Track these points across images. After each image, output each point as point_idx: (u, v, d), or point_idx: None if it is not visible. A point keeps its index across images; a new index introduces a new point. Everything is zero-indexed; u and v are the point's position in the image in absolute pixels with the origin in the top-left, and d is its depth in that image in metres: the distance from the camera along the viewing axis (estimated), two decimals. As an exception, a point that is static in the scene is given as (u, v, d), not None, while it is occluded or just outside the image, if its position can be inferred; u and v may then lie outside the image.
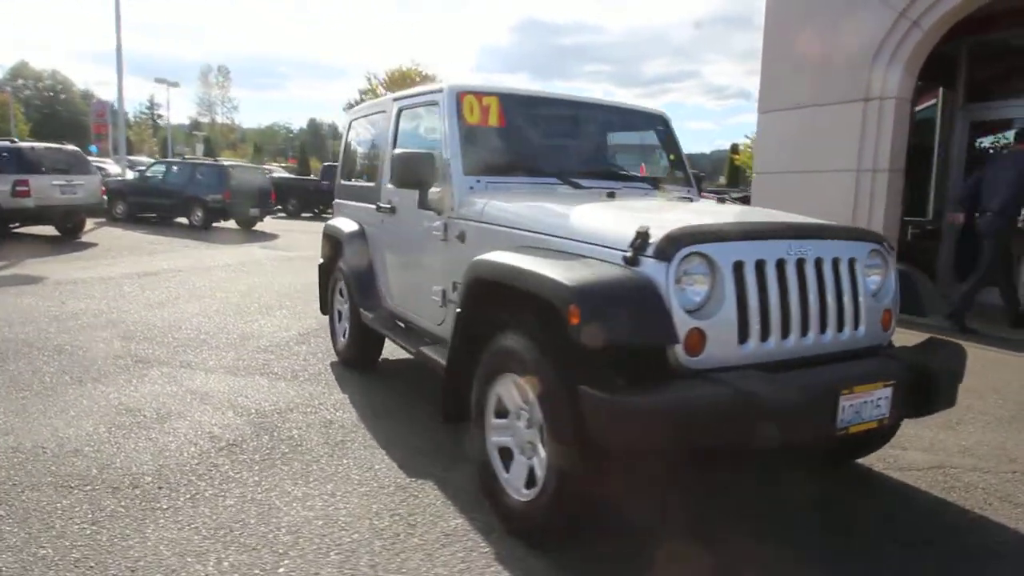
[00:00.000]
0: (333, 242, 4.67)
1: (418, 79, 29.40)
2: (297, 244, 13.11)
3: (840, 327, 2.39)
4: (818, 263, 2.35)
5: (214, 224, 15.07)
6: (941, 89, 8.09)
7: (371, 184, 4.21)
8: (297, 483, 2.81)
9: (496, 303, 2.56)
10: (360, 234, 4.28)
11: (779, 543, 2.44)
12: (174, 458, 3.00)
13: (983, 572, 2.34)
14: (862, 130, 7.00)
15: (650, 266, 2.11)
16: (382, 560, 2.24)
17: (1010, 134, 7.32)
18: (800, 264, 2.30)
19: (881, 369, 2.28)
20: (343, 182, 4.88)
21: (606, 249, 2.26)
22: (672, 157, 3.91)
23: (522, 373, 2.31)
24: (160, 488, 2.71)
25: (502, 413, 2.52)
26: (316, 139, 77.45)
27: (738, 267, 2.19)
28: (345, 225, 4.46)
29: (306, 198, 21.25)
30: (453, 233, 3.12)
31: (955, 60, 7.89)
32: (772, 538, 2.48)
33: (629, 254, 2.14)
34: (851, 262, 2.44)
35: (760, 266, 2.22)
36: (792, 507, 2.76)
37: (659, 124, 3.95)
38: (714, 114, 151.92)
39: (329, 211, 21.33)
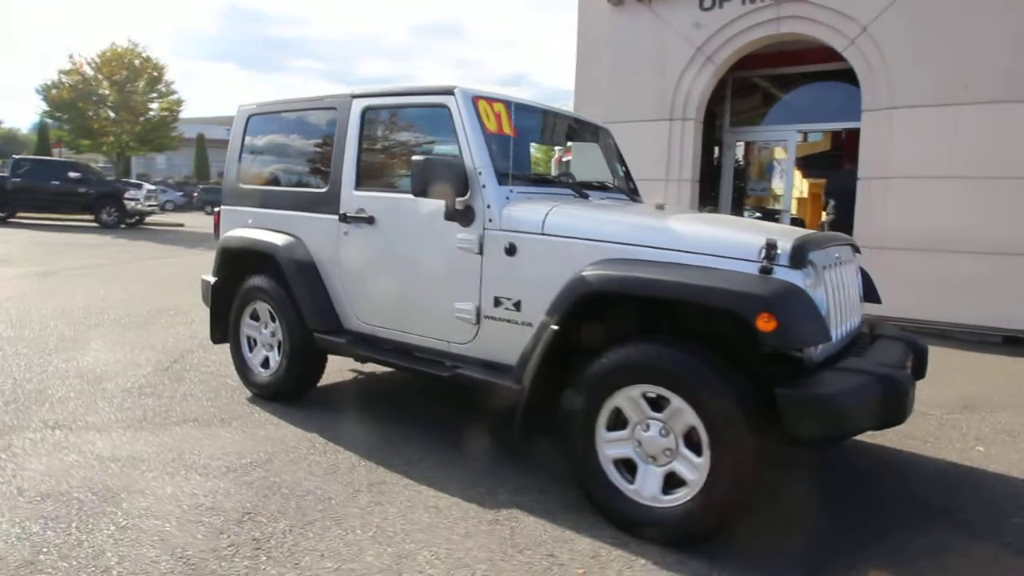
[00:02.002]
0: (246, 257, 3.96)
1: (138, 62, 25.00)
2: (14, 257, 10.30)
3: (854, 317, 2.95)
4: (845, 265, 2.87)
5: None
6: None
7: (318, 190, 3.67)
8: (376, 542, 2.41)
9: (594, 317, 2.56)
10: (300, 247, 3.71)
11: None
12: (181, 550, 2.31)
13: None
14: (668, 145, 8.23)
15: (786, 274, 2.36)
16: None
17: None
18: (838, 265, 2.78)
19: (906, 347, 2.88)
20: (243, 186, 4.14)
21: (731, 260, 2.43)
22: (624, 168, 4.20)
23: (660, 383, 2.37)
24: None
25: (618, 426, 2.53)
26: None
27: (823, 270, 2.57)
28: (269, 237, 3.81)
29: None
30: (495, 246, 2.96)
31: (724, 91, 9.70)
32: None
33: (764, 264, 2.36)
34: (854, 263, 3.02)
35: (827, 268, 2.64)
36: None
37: (609, 136, 4.20)
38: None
39: (22, 214, 17.11)
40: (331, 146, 3.63)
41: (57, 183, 16.41)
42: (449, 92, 3.17)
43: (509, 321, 2.94)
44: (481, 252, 3.00)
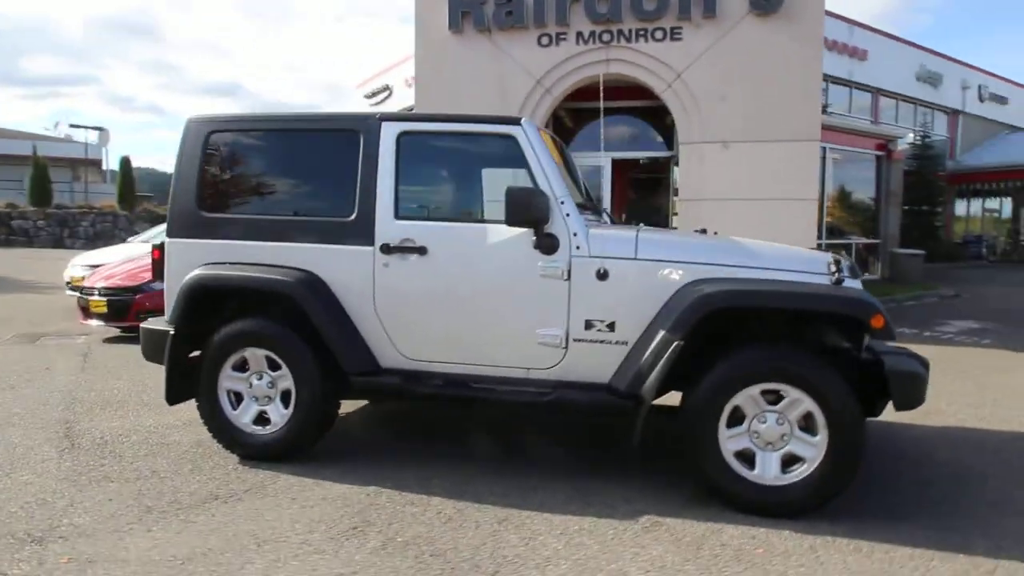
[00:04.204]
0: (237, 298, 3.39)
1: None
2: None
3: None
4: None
5: None
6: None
7: (341, 219, 3.32)
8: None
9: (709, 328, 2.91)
10: (319, 282, 3.31)
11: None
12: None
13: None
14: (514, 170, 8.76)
15: (850, 283, 2.99)
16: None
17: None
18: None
19: None
20: (208, 215, 3.50)
21: (808, 274, 3.00)
22: (586, 188, 4.54)
23: (781, 380, 2.82)
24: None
25: (735, 422, 2.90)
26: None
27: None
28: (275, 274, 3.32)
29: None
30: (585, 272, 3.09)
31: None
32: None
33: (836, 276, 2.96)
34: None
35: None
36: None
37: (567, 151, 4.49)
38: (125, 127, 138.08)
39: None
40: (352, 171, 3.34)
41: None
42: (515, 122, 3.21)
43: (602, 342, 3.11)
44: (569, 278, 3.11)
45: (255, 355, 3.40)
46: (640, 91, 8.94)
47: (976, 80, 22.28)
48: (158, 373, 5.40)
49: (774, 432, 2.87)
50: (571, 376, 3.16)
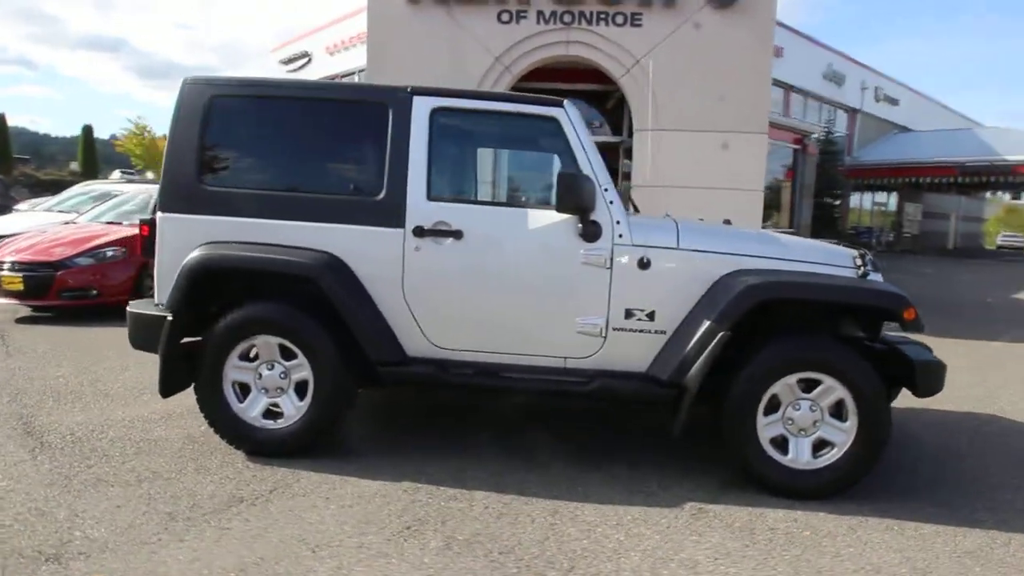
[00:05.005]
0: (249, 280, 3.11)
1: None
2: None
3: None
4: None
5: None
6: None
7: (367, 198, 3.10)
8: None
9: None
10: (341, 265, 3.09)
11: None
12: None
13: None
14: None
15: (874, 276, 3.15)
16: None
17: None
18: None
19: None
20: (211, 189, 3.17)
21: (835, 267, 3.13)
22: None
23: (818, 369, 2.93)
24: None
25: (770, 410, 3.00)
26: None
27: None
28: (293, 255, 3.06)
29: None
30: (627, 260, 3.06)
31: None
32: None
33: (863, 270, 3.11)
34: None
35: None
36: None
37: None
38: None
39: None
40: (378, 146, 3.12)
41: None
42: (558, 104, 3.10)
43: (641, 331, 3.11)
44: (611, 266, 3.08)
45: (267, 343, 3.13)
46: (596, 75, 8.96)
47: (874, 81, 24.15)
48: (102, 359, 4.96)
49: (807, 419, 2.99)
50: (608, 365, 3.14)
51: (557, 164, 3.19)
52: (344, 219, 3.12)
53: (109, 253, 6.86)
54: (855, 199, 26.14)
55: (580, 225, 3.01)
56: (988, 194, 34.51)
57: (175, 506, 2.64)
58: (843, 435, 2.98)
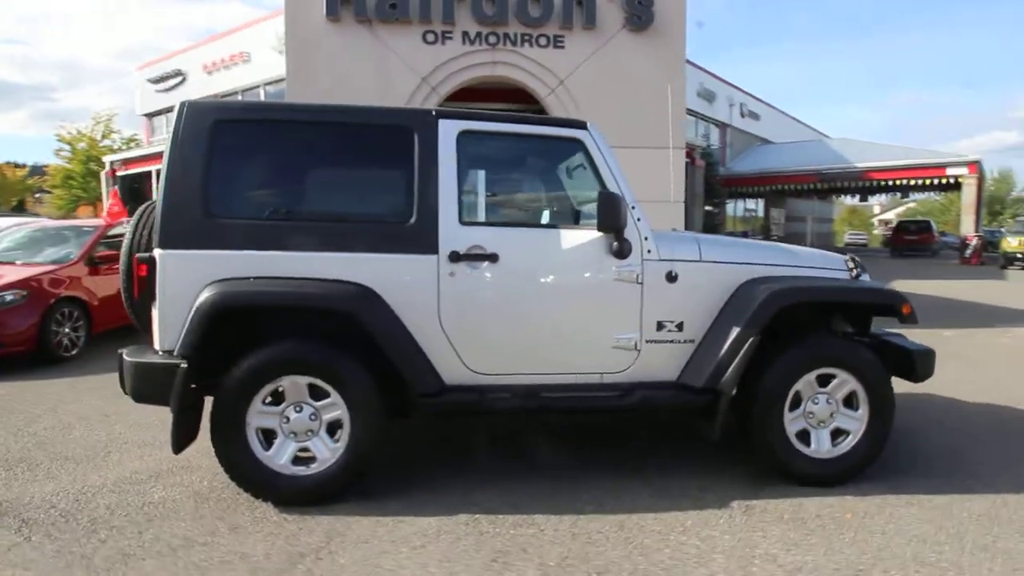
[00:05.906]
0: (280, 317, 2.89)
1: None
2: None
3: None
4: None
5: None
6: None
7: (398, 224, 2.98)
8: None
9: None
10: (375, 296, 2.95)
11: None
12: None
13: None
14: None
15: (864, 277, 3.50)
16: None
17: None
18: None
19: None
20: (222, 221, 2.91)
21: (832, 271, 3.45)
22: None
23: (834, 365, 3.21)
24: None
25: (794, 405, 3.23)
26: None
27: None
28: (321, 289, 2.89)
29: None
30: (656, 275, 3.18)
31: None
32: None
33: (855, 272, 3.45)
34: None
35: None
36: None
37: None
38: None
39: None
40: (405, 171, 3.03)
41: None
42: (582, 126, 3.18)
43: (672, 342, 3.24)
44: (641, 281, 3.18)
45: (295, 384, 2.93)
46: (523, 94, 9.17)
47: (739, 98, 26.49)
48: (34, 418, 4.36)
49: (824, 411, 3.25)
50: (641, 377, 3.24)
51: (579, 185, 3.26)
52: (373, 248, 3.00)
53: (8, 298, 6.01)
54: (730, 207, 28.45)
55: (615, 243, 3.10)
56: (835, 198, 38.77)
57: (234, 572, 2.39)
58: (856, 423, 3.27)
